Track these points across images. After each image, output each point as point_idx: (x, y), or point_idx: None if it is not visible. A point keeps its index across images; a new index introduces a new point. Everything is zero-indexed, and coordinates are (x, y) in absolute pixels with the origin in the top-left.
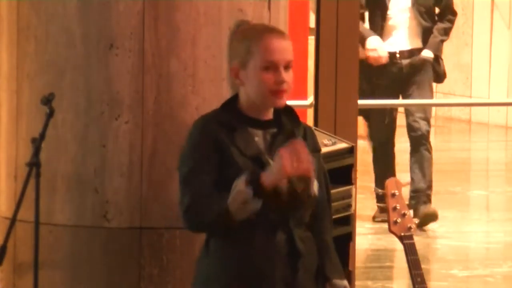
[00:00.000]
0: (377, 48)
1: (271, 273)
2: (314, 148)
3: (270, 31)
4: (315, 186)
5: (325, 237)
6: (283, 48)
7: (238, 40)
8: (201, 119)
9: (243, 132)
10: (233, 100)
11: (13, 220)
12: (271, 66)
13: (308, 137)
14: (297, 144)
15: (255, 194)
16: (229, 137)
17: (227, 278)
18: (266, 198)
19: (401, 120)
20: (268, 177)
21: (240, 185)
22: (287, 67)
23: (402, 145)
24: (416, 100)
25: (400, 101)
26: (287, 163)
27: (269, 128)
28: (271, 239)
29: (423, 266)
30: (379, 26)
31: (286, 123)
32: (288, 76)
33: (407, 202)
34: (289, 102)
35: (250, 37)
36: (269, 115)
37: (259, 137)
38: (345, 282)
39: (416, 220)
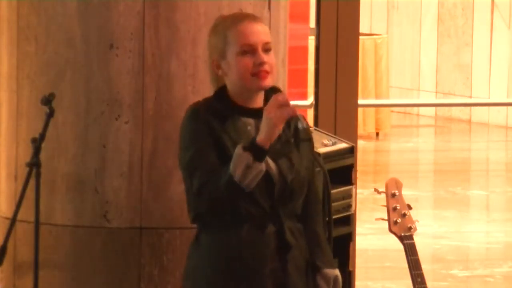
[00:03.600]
0: None
1: (260, 266)
2: (305, 137)
3: (243, 17)
4: (302, 122)
5: (316, 228)
6: (258, 31)
7: (214, 33)
8: (193, 107)
9: (235, 121)
10: (222, 90)
11: (13, 220)
12: (249, 50)
13: (300, 124)
14: (278, 95)
15: (255, 157)
16: (221, 126)
17: (216, 271)
18: (259, 186)
19: (400, 119)
20: (261, 136)
21: (237, 151)
22: (266, 50)
23: (402, 145)
24: (416, 100)
25: (399, 100)
26: (272, 113)
27: (260, 116)
28: (261, 232)
29: (423, 266)
30: None
31: None
32: (268, 58)
33: (407, 202)
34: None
35: (224, 27)
36: (259, 102)
37: (251, 126)
38: (336, 271)
39: None
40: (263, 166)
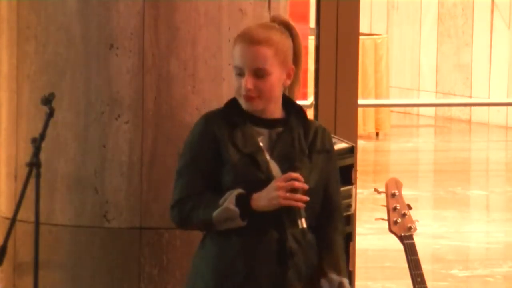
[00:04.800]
0: None
1: (258, 271)
2: (322, 149)
3: (244, 36)
4: (303, 221)
5: (330, 236)
6: (250, 55)
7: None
8: (205, 115)
9: (245, 130)
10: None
11: (13, 220)
12: (240, 72)
13: (318, 137)
14: (293, 175)
15: (242, 214)
16: (229, 134)
17: (215, 273)
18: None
19: (400, 119)
20: (258, 202)
21: (229, 202)
22: (258, 74)
23: (402, 145)
24: (416, 100)
25: (399, 100)
26: (279, 194)
27: (276, 127)
28: (263, 237)
29: (423, 266)
30: None
31: (293, 123)
32: (259, 83)
33: (407, 202)
34: None
35: (234, 42)
36: (275, 114)
37: (264, 136)
38: (343, 279)
39: None
40: (244, 223)
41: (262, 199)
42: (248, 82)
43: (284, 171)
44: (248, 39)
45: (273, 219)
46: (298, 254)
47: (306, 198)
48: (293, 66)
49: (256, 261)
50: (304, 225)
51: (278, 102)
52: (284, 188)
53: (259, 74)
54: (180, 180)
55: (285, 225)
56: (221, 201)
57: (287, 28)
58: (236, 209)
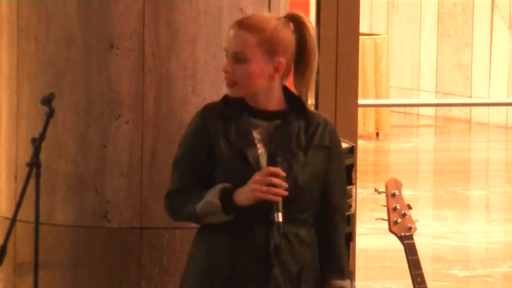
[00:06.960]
0: None
1: (243, 268)
2: (320, 145)
3: (236, 21)
4: (279, 215)
5: (330, 236)
6: (231, 38)
7: None
8: (203, 108)
9: (240, 123)
10: None
11: (13, 220)
12: (226, 55)
13: (318, 132)
14: (272, 169)
15: (225, 208)
16: (223, 127)
17: (203, 271)
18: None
19: (400, 119)
20: (239, 196)
21: (212, 195)
22: (238, 59)
23: (402, 145)
24: (416, 100)
25: (399, 100)
26: (255, 187)
27: (274, 119)
28: (250, 234)
29: (423, 266)
30: None
31: (293, 117)
32: (238, 68)
33: (407, 202)
34: None
35: None
36: (271, 106)
37: (262, 128)
38: (345, 283)
39: None
40: (228, 218)
41: (242, 193)
42: (226, 64)
43: (269, 165)
44: (237, 24)
45: (262, 216)
46: (285, 251)
47: (284, 192)
48: (282, 60)
49: (241, 258)
50: (280, 219)
51: (272, 93)
52: (261, 182)
53: (239, 58)
54: (174, 172)
55: (272, 222)
56: (205, 195)
57: (299, 25)
58: (218, 203)
